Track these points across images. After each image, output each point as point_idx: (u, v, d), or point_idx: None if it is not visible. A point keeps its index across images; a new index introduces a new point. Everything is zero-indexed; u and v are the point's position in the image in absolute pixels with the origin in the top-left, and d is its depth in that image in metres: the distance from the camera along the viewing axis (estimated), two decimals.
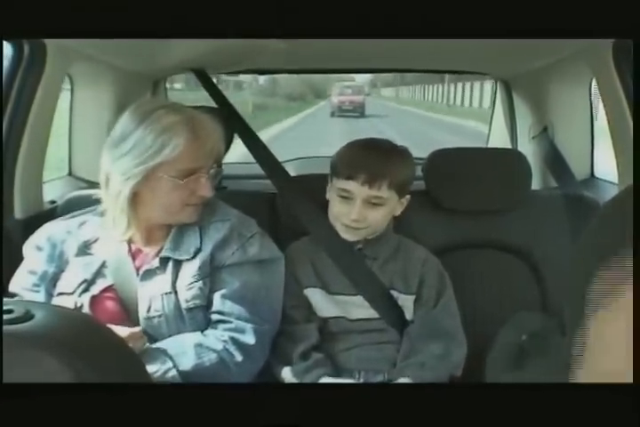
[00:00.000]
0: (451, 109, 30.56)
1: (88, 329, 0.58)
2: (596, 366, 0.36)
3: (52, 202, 1.80)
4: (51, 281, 1.36)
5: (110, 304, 1.33)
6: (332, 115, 27.88)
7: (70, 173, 2.13)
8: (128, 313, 1.32)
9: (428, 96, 42.21)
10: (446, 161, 1.78)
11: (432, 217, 1.74)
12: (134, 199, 1.31)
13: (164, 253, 1.33)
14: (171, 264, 1.33)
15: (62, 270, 1.37)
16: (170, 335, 1.29)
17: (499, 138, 2.59)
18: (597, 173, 2.15)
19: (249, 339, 1.30)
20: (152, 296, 1.30)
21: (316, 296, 1.46)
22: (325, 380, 1.34)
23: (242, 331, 1.30)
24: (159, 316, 1.30)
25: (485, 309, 1.67)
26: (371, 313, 1.46)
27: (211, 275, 1.33)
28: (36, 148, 1.66)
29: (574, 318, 0.37)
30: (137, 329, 1.24)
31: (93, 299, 1.32)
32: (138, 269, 1.34)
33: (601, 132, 1.98)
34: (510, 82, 2.43)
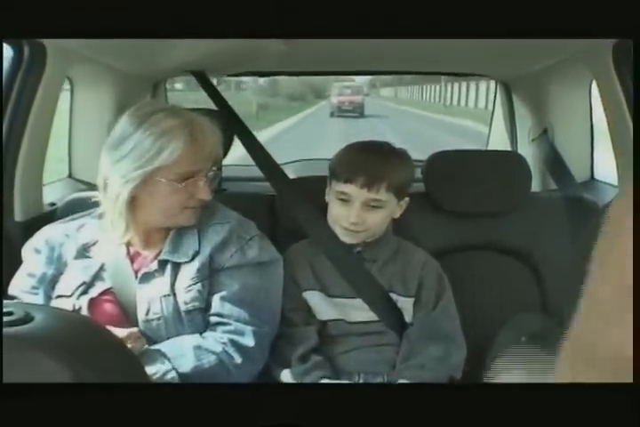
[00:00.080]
0: (447, 109, 30.79)
1: (87, 331, 0.58)
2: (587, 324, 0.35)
3: (52, 204, 1.80)
4: (49, 284, 1.36)
5: (109, 307, 1.33)
6: (332, 115, 27.89)
7: (70, 175, 2.13)
8: (127, 316, 1.32)
9: (426, 96, 42.57)
10: (446, 163, 1.78)
11: (432, 219, 1.74)
12: (133, 202, 1.31)
13: (162, 256, 1.33)
14: (169, 267, 1.32)
15: (61, 273, 1.37)
16: (169, 338, 1.28)
17: (499, 140, 2.59)
18: (597, 176, 2.15)
19: (248, 341, 1.29)
20: (151, 299, 1.30)
21: (315, 299, 1.46)
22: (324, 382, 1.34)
23: (241, 333, 1.30)
24: (158, 318, 1.29)
25: (485, 311, 1.67)
26: (370, 316, 1.45)
27: (209, 277, 1.32)
28: (36, 149, 1.66)
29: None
30: (135, 329, 1.24)
31: (92, 302, 1.32)
32: (136, 272, 1.34)
33: (601, 134, 1.98)
34: (510, 84, 2.43)
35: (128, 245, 1.37)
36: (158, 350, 1.24)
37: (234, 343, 1.28)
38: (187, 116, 1.32)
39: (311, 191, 1.56)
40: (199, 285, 1.31)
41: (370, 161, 1.43)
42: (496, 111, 2.64)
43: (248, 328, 1.30)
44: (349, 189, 1.42)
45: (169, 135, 1.26)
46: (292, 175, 1.82)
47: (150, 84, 2.31)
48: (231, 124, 1.75)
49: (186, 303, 1.30)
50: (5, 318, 0.52)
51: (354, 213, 1.42)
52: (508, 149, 2.45)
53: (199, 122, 1.32)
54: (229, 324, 1.30)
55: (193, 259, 1.33)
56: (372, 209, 1.43)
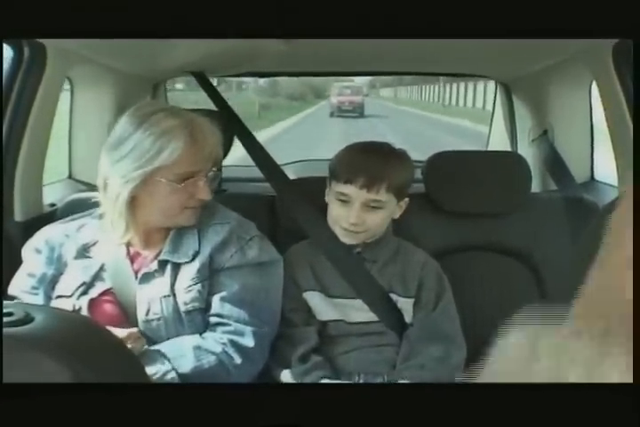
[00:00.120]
0: (446, 109, 30.93)
1: (87, 331, 0.58)
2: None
3: (52, 205, 1.80)
4: (49, 284, 1.36)
5: (109, 307, 1.33)
6: (332, 115, 27.93)
7: (70, 176, 2.13)
8: (127, 316, 1.32)
9: (425, 96, 42.83)
10: (446, 164, 1.78)
11: (432, 220, 1.74)
12: (133, 202, 1.31)
13: (162, 257, 1.33)
14: (169, 267, 1.32)
15: (61, 273, 1.36)
16: (169, 338, 1.28)
17: (499, 140, 2.59)
18: (597, 176, 2.15)
19: (248, 341, 1.29)
20: (151, 299, 1.30)
21: (315, 299, 1.46)
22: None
23: (241, 333, 1.30)
24: (158, 319, 1.29)
25: (485, 311, 1.67)
26: (370, 316, 1.45)
27: (209, 278, 1.32)
28: (36, 150, 1.66)
29: None
30: (134, 330, 1.24)
31: (92, 302, 1.32)
32: (136, 273, 1.34)
33: (601, 135, 1.98)
34: (510, 84, 2.43)
35: (128, 245, 1.37)
36: (158, 351, 1.24)
37: (234, 344, 1.28)
38: (187, 117, 1.32)
39: (311, 192, 1.56)
40: (199, 285, 1.31)
41: (370, 162, 1.43)
42: (496, 112, 2.64)
43: (248, 329, 1.30)
44: (349, 189, 1.42)
45: (169, 135, 1.26)
46: (291, 176, 1.82)
47: (150, 84, 2.31)
48: (231, 125, 1.75)
49: (186, 304, 1.29)
50: (5, 319, 0.52)
51: (354, 214, 1.42)
52: (508, 149, 2.45)
53: (199, 122, 1.32)
54: (229, 324, 1.30)
55: (193, 259, 1.33)
56: (371, 210, 1.43)
